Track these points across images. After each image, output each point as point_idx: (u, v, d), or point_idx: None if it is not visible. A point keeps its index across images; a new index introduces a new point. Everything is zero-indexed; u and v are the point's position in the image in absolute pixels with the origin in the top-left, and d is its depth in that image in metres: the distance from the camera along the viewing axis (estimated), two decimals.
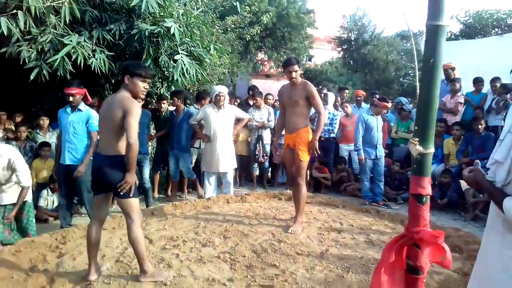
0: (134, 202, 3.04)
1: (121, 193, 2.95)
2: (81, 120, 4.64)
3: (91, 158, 4.63)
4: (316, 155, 4.62)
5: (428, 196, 1.24)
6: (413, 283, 1.25)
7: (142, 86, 3.06)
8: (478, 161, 1.73)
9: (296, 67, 4.22)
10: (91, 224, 3.14)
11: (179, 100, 6.16)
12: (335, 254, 3.69)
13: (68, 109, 4.64)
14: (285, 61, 4.40)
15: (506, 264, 1.61)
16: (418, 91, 1.28)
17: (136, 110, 2.95)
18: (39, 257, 3.59)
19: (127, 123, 2.89)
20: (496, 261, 1.67)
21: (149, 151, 6.31)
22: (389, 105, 6.45)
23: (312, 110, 4.53)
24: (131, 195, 3.00)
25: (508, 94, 6.37)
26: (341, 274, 3.25)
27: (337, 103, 7.86)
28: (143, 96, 3.19)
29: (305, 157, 4.36)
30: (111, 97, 3.16)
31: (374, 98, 7.89)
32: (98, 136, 3.28)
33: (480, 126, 6.08)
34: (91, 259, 3.12)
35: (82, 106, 4.63)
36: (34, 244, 3.83)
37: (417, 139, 1.22)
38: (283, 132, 4.75)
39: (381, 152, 6.31)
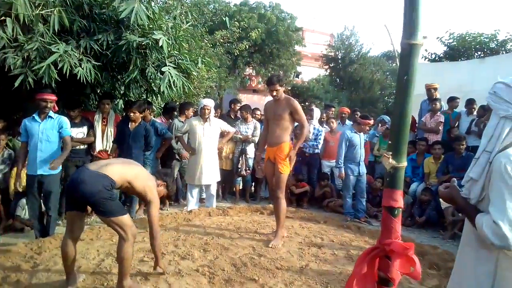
0: (122, 219, 2.94)
1: (103, 213, 2.89)
2: (54, 128, 4.56)
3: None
4: (293, 168, 4.67)
5: (400, 209, 1.27)
6: None
7: None
8: (455, 179, 1.77)
9: (277, 86, 4.34)
10: (64, 240, 3.04)
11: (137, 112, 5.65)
12: (314, 269, 3.70)
13: (37, 117, 4.51)
14: (267, 80, 4.52)
15: (479, 279, 1.64)
16: (392, 115, 1.31)
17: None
18: (12, 267, 3.50)
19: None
20: (470, 277, 1.70)
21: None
22: (371, 122, 6.54)
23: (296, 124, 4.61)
24: (118, 213, 2.93)
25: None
26: None
27: (322, 119, 7.95)
28: None
29: (285, 170, 4.42)
30: None
31: (356, 116, 8.02)
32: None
33: (461, 147, 6.19)
34: (68, 272, 3.06)
35: (51, 113, 4.58)
36: (9, 254, 3.76)
37: (391, 153, 1.25)
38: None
39: (363, 169, 6.37)
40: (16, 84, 4.38)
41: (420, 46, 1.34)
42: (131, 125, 5.53)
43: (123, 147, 5.50)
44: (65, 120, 4.67)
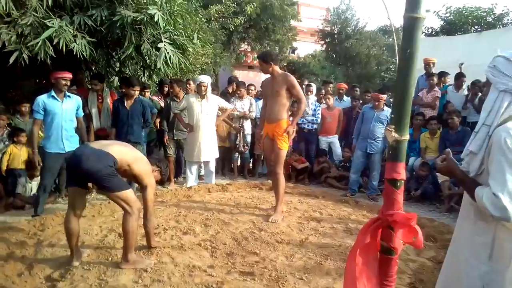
0: (125, 194, 2.97)
1: (107, 188, 2.92)
2: (74, 107, 4.69)
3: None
4: (292, 142, 4.69)
5: (402, 181, 1.29)
6: (387, 263, 1.31)
7: None
8: (449, 149, 1.80)
9: (262, 63, 4.38)
10: (67, 217, 3.08)
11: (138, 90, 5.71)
12: (314, 242, 3.77)
13: (56, 96, 4.53)
14: (257, 57, 4.51)
15: (476, 250, 1.69)
16: (394, 88, 1.32)
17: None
18: (17, 243, 3.55)
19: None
20: (467, 247, 1.75)
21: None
22: (383, 97, 6.30)
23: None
24: (121, 188, 2.96)
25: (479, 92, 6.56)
26: (320, 262, 3.33)
27: (321, 95, 7.91)
28: None
29: (283, 146, 4.45)
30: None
31: (355, 91, 8.00)
32: None
33: (453, 121, 6.20)
34: (72, 247, 3.10)
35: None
36: (12, 231, 3.81)
37: (393, 126, 1.27)
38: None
39: (375, 147, 6.15)
40: (11, 60, 4.34)
41: (423, 20, 1.34)
42: (127, 103, 5.51)
43: (123, 126, 5.49)
44: (80, 101, 4.79)
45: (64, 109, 4.57)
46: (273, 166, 4.56)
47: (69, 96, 4.67)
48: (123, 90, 5.70)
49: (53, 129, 4.57)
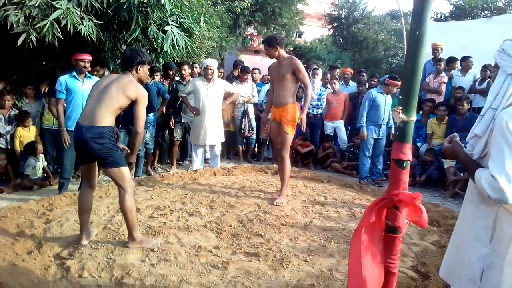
0: (124, 171, 3.06)
1: (108, 164, 3.00)
2: None
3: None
4: (297, 127, 4.69)
5: (409, 162, 1.31)
6: (391, 242, 1.34)
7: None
8: (456, 133, 1.81)
9: (267, 48, 4.34)
10: (82, 190, 3.18)
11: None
12: (318, 225, 3.82)
13: (77, 76, 4.69)
14: (262, 42, 4.46)
15: (478, 233, 1.71)
16: (403, 70, 1.32)
17: (146, 100, 3.10)
18: (26, 222, 3.63)
19: (138, 113, 3.05)
20: (470, 231, 1.77)
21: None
22: (399, 83, 6.21)
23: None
24: (118, 165, 3.03)
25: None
26: (324, 244, 3.37)
27: (326, 79, 7.87)
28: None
29: (290, 130, 4.46)
30: (116, 76, 3.15)
31: (361, 76, 7.94)
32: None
33: (461, 107, 6.18)
34: (82, 225, 3.17)
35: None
36: (21, 210, 3.87)
37: (401, 107, 1.28)
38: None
39: (384, 132, 6.19)
40: (19, 42, 4.34)
41: (432, 2, 1.33)
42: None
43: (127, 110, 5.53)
44: None
45: (85, 89, 4.66)
46: (279, 150, 4.58)
47: (89, 77, 4.83)
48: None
49: (74, 108, 4.70)
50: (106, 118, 3.01)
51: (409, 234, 3.68)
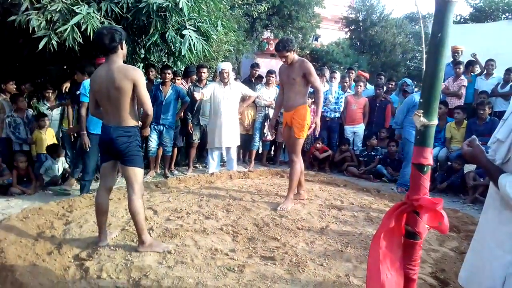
0: (139, 172, 3.11)
1: (128, 161, 3.05)
2: None
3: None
4: (317, 136, 4.65)
5: (429, 166, 1.29)
6: (411, 247, 1.32)
7: None
8: (474, 136, 1.77)
9: (284, 53, 4.19)
10: (99, 192, 3.22)
11: (169, 75, 6.09)
12: (335, 230, 3.78)
13: None
14: (275, 47, 4.39)
15: (500, 239, 1.66)
16: (424, 73, 1.30)
17: (144, 79, 3.05)
18: (46, 223, 3.69)
19: (142, 96, 2.99)
20: (492, 237, 1.72)
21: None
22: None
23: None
24: (135, 165, 3.08)
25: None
26: (340, 249, 3.34)
27: (345, 83, 7.81)
28: None
29: (301, 135, 4.38)
30: (106, 69, 3.00)
31: (379, 80, 7.86)
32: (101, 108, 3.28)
33: (482, 112, 6.05)
34: (100, 227, 3.21)
35: None
36: (42, 212, 3.94)
37: (422, 111, 1.26)
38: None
39: None
40: (41, 46, 4.45)
41: (455, 3, 1.31)
42: (164, 89, 6.02)
43: (158, 111, 5.91)
44: None
45: None
46: (290, 153, 4.54)
47: None
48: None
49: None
50: (130, 118, 3.06)
51: (428, 240, 3.62)
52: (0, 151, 5.49)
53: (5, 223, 3.60)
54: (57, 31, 4.44)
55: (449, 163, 6.15)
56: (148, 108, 3.04)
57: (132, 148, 3.06)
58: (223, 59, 10.97)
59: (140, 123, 3.18)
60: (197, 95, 5.57)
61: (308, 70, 4.22)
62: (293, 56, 4.27)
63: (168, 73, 6.02)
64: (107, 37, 2.93)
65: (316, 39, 23.40)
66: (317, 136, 7.24)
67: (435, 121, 1.26)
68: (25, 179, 5.40)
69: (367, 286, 1.41)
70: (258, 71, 7.87)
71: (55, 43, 4.50)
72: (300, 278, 2.80)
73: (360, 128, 7.39)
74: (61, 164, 5.62)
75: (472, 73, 7.27)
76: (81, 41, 4.61)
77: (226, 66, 5.84)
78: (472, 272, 1.83)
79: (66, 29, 4.43)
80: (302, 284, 2.74)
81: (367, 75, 8.51)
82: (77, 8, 4.48)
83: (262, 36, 19.30)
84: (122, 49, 3.02)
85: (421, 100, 1.30)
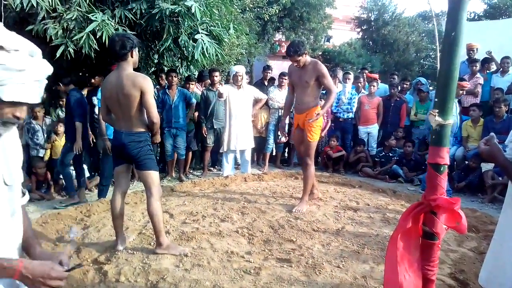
0: (154, 175, 3.16)
1: (141, 166, 3.10)
2: None
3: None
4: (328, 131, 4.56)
5: (446, 166, 1.28)
6: (429, 248, 1.31)
7: None
8: (493, 134, 1.75)
9: (296, 57, 4.11)
10: (114, 196, 3.26)
11: (175, 79, 6.14)
12: (351, 231, 3.76)
13: None
14: (286, 51, 4.33)
15: None
16: (438, 72, 1.29)
17: (152, 87, 3.10)
18: (65, 228, 3.76)
19: (148, 104, 3.04)
20: None
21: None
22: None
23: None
24: (150, 168, 3.12)
25: None
26: (357, 250, 3.32)
27: (359, 84, 7.75)
28: None
29: (314, 138, 4.35)
30: (117, 75, 3.06)
31: (392, 79, 7.78)
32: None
33: (498, 109, 5.94)
34: (117, 231, 3.25)
35: None
36: (60, 216, 4.02)
37: (437, 110, 1.26)
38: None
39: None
40: (58, 54, 4.54)
41: (468, 1, 1.30)
42: (171, 93, 6.04)
43: (168, 114, 6.06)
44: None
45: None
46: (303, 157, 4.49)
47: None
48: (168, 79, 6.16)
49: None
50: (140, 124, 3.11)
51: (446, 240, 3.57)
52: None
53: None
54: (73, 39, 4.53)
55: (466, 162, 6.04)
56: (154, 116, 3.08)
57: (144, 152, 3.11)
58: (235, 62, 11.00)
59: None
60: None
61: (321, 72, 4.17)
62: (305, 59, 4.19)
63: (174, 76, 6.07)
64: (118, 44, 2.99)
65: (328, 40, 23.32)
66: (330, 134, 7.23)
67: (450, 120, 1.25)
68: (43, 184, 5.50)
69: None
70: (270, 73, 7.90)
71: (72, 50, 4.59)
72: (316, 280, 2.80)
73: (374, 128, 7.33)
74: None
75: (487, 71, 7.16)
76: (97, 47, 4.69)
77: (240, 69, 5.88)
78: (492, 272, 1.80)
79: (82, 37, 4.51)
80: (319, 286, 2.73)
81: (376, 76, 8.40)
82: (92, 15, 4.56)
83: (274, 39, 19.30)
84: (132, 56, 3.06)
85: (436, 100, 1.29)
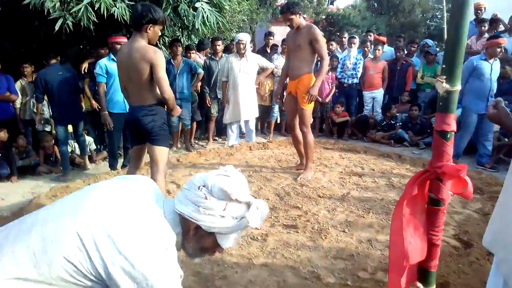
0: (165, 151, 3.15)
1: (154, 140, 3.08)
2: None
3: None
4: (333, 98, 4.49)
5: (453, 133, 1.27)
6: (435, 214, 1.32)
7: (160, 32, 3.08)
8: (500, 98, 1.73)
9: (289, 15, 4.03)
10: (128, 172, 3.30)
11: (179, 49, 6.01)
12: (356, 196, 3.80)
13: (115, 59, 4.65)
14: (280, 10, 4.27)
15: None
16: (445, 33, 1.25)
17: (163, 61, 3.00)
18: None
19: (159, 78, 2.95)
20: None
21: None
22: (503, 41, 5.31)
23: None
24: (161, 143, 3.11)
25: None
26: (362, 215, 3.37)
27: (366, 48, 7.60)
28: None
29: (307, 106, 4.24)
30: (129, 47, 3.00)
31: (398, 42, 7.62)
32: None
33: (502, 70, 5.82)
34: None
35: None
36: (69, 189, 4.08)
37: (444, 77, 1.24)
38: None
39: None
40: (57, 27, 4.48)
41: None
42: (175, 63, 5.93)
43: (171, 85, 5.85)
44: None
45: None
46: (299, 125, 4.40)
47: None
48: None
49: (115, 91, 4.79)
50: (152, 97, 3.07)
51: (451, 202, 3.58)
52: (24, 132, 5.64)
53: (36, 201, 3.77)
54: (71, 11, 4.45)
55: None
56: (165, 91, 2.99)
57: (158, 126, 3.07)
58: (237, 29, 10.80)
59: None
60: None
61: (315, 36, 4.06)
62: (299, 20, 4.10)
63: (178, 46, 5.94)
64: (138, 11, 2.92)
65: (332, 3, 22.72)
66: (336, 101, 7.18)
67: (458, 87, 1.23)
68: (51, 158, 5.56)
69: (390, 253, 1.43)
70: (272, 39, 7.74)
71: (70, 23, 4.53)
72: (322, 245, 2.86)
73: (379, 93, 7.25)
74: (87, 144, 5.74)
75: (495, 31, 6.98)
76: (95, 19, 4.62)
77: (244, 37, 5.73)
78: (497, 233, 1.82)
79: (80, 9, 4.43)
80: (325, 250, 2.79)
81: (384, 39, 8.23)
82: None
83: (276, 3, 18.83)
84: (148, 31, 2.95)
85: (443, 66, 1.27)
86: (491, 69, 5.19)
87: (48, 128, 5.75)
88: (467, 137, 5.34)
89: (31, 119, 5.66)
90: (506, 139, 5.42)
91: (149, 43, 3.02)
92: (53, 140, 5.54)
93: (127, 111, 4.50)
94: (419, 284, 1.39)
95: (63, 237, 1.09)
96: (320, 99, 4.46)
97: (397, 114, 6.93)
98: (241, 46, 5.63)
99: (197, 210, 1.18)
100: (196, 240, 1.24)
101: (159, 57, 2.95)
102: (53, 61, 5.31)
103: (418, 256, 1.32)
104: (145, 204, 1.18)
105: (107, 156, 5.76)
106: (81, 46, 6.82)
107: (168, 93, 3.02)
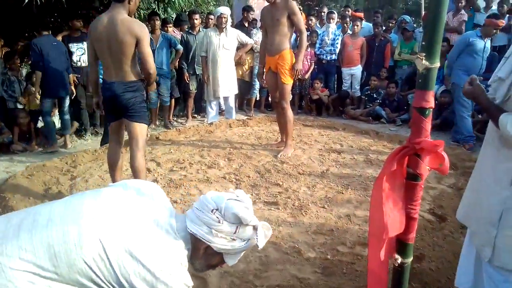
0: (144, 128, 3.10)
1: (133, 117, 3.02)
2: None
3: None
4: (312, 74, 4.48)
5: (431, 109, 1.29)
6: (412, 189, 1.36)
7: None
8: (475, 75, 1.76)
9: None
10: (110, 147, 3.23)
11: (157, 23, 5.85)
12: (335, 173, 3.87)
13: None
14: None
15: (498, 176, 1.70)
16: (422, 8, 1.25)
17: (148, 36, 2.94)
18: (52, 180, 3.76)
19: (144, 53, 2.89)
20: (490, 174, 1.76)
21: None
22: (501, 23, 5.26)
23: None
24: (140, 120, 3.05)
25: None
26: (341, 191, 3.44)
27: (345, 24, 7.55)
28: None
29: (288, 80, 4.26)
30: (110, 18, 2.85)
31: (376, 18, 7.60)
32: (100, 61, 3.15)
33: None
34: (114, 181, 3.22)
35: None
36: (46, 168, 4.01)
37: (424, 54, 1.24)
38: None
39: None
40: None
41: None
42: (154, 37, 5.65)
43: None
44: None
45: None
46: (279, 100, 4.42)
47: None
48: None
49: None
50: (134, 73, 2.99)
51: (426, 178, 3.69)
52: None
53: (11, 181, 3.67)
54: None
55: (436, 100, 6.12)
56: (150, 67, 2.94)
57: (138, 103, 3.01)
58: (214, 3, 10.57)
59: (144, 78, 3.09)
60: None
61: (292, 10, 4.04)
62: None
63: (156, 20, 5.77)
64: None
65: None
66: (314, 77, 7.16)
67: (437, 64, 1.25)
68: (27, 135, 5.41)
69: (369, 227, 1.47)
70: (252, 14, 7.57)
71: None
72: (303, 221, 2.92)
73: (358, 69, 7.26)
74: (56, 120, 5.60)
75: (471, 7, 7.05)
76: None
77: (225, 11, 5.59)
78: (470, 207, 1.89)
79: None
80: (305, 225, 2.85)
81: (361, 14, 8.17)
82: None
83: None
84: (130, 3, 2.88)
85: (423, 43, 1.28)
86: (484, 46, 5.22)
87: (20, 106, 5.56)
88: (467, 112, 5.30)
89: (1, 96, 5.46)
90: (480, 116, 5.55)
91: (129, 15, 2.93)
92: (29, 117, 5.38)
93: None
94: (397, 256, 1.43)
95: (86, 243, 1.17)
96: (300, 75, 4.43)
97: (381, 91, 6.95)
98: (223, 20, 5.50)
99: (210, 232, 1.27)
100: (204, 258, 1.35)
101: (145, 31, 2.89)
102: (45, 32, 5.10)
103: (397, 229, 1.35)
104: (163, 222, 1.28)
105: (78, 128, 5.74)
106: (52, 19, 6.55)
107: (153, 68, 2.98)
